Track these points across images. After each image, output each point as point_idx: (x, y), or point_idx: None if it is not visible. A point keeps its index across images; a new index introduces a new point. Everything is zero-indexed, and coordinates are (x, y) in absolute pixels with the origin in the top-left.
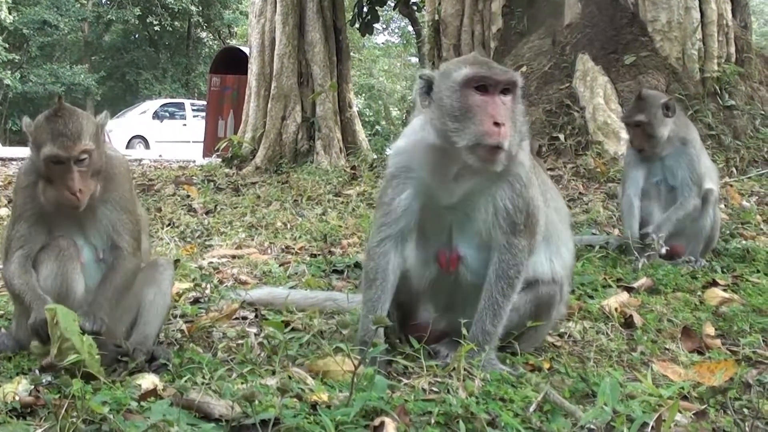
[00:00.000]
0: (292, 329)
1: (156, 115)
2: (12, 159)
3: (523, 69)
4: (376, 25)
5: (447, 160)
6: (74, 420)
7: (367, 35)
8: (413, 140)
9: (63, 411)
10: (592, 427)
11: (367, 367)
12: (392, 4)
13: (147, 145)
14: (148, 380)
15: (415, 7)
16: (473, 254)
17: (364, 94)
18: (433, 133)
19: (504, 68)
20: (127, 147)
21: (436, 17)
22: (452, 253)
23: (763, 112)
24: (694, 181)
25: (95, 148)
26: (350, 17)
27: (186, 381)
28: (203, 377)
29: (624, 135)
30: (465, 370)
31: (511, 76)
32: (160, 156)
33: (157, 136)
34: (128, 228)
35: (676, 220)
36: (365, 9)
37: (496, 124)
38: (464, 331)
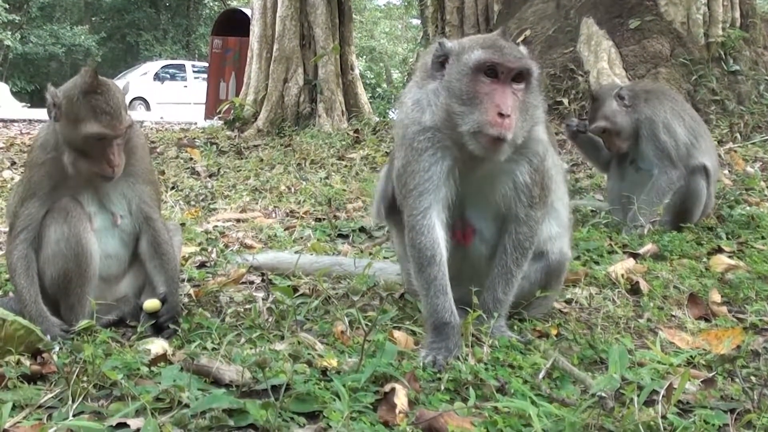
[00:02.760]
0: (300, 294)
1: (157, 77)
2: (13, 120)
3: (527, 33)
4: None
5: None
6: (85, 385)
7: None
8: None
9: (74, 376)
10: (602, 395)
11: (449, 354)
12: None
13: (148, 107)
14: (157, 345)
15: None
16: (488, 226)
17: (365, 57)
18: (438, 113)
19: (519, 54)
20: (128, 109)
21: None
22: (466, 225)
23: (767, 78)
24: (660, 157)
25: (132, 118)
26: None
27: (196, 346)
28: (212, 342)
29: None
30: (474, 336)
31: (524, 64)
32: (162, 118)
33: (158, 97)
34: (155, 198)
35: (650, 203)
36: None
37: (501, 114)
38: (475, 299)
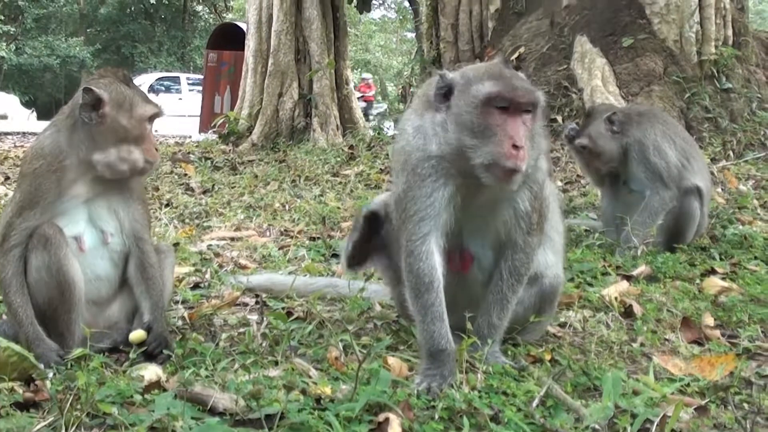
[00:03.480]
0: (295, 318)
1: (152, 89)
2: (7, 133)
3: (521, 50)
4: (372, 1)
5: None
6: (78, 413)
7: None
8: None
9: (68, 404)
10: (596, 426)
11: (444, 382)
12: None
13: None
14: (151, 371)
15: None
16: (485, 253)
17: (360, 69)
18: (447, 145)
19: (527, 87)
20: None
21: None
22: (465, 252)
23: (759, 95)
24: (652, 179)
25: None
26: None
27: (190, 373)
28: (206, 369)
29: None
30: (467, 362)
31: (534, 98)
32: (156, 131)
33: None
34: (147, 218)
35: (642, 224)
36: None
37: (515, 146)
38: (468, 325)
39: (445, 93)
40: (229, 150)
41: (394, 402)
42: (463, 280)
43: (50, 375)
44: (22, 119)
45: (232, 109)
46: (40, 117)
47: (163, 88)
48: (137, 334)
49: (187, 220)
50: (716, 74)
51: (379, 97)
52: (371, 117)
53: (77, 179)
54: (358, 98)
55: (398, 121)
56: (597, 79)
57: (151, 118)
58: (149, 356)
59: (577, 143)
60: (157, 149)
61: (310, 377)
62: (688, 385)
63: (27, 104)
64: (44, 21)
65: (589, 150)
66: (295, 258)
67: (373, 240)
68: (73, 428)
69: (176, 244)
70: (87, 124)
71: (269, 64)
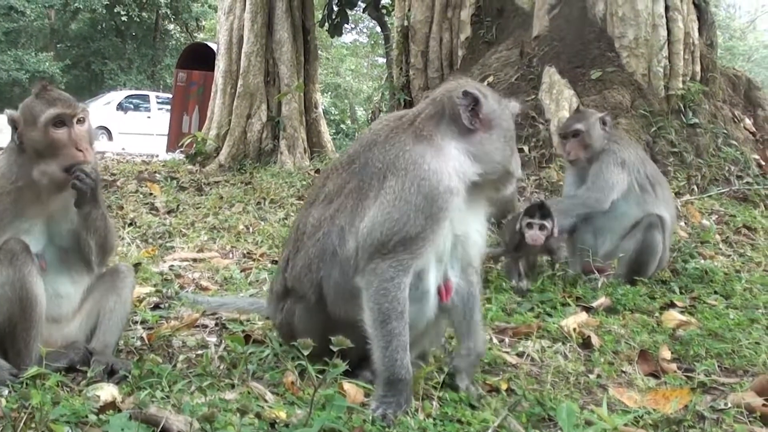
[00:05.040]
0: (254, 341)
1: (120, 107)
2: None
3: (490, 79)
4: (344, 25)
5: (479, 189)
6: None
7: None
8: (457, 168)
9: (21, 423)
10: None
11: (399, 409)
12: (362, 6)
13: (110, 137)
14: (107, 391)
15: (384, 11)
16: (459, 281)
17: (330, 93)
18: (478, 162)
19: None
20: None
21: (405, 23)
22: (447, 281)
23: (725, 131)
24: (598, 184)
25: (89, 116)
26: (320, 17)
27: (145, 395)
28: (162, 390)
29: None
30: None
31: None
32: (123, 149)
33: (121, 127)
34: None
35: (562, 211)
36: (335, 11)
37: None
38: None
39: (472, 108)
40: (196, 170)
41: (349, 428)
42: (428, 310)
43: (5, 392)
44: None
45: (200, 129)
46: None
47: (132, 106)
48: None
49: (150, 240)
50: (683, 109)
51: (348, 121)
52: None
53: (34, 199)
54: None
55: None
56: (564, 110)
57: (57, 121)
58: (109, 374)
59: (571, 129)
60: (84, 149)
61: (266, 401)
62: (642, 417)
63: None
64: (14, 35)
65: (580, 136)
66: (257, 281)
67: None
68: None
69: (138, 264)
70: (19, 146)
71: (238, 85)
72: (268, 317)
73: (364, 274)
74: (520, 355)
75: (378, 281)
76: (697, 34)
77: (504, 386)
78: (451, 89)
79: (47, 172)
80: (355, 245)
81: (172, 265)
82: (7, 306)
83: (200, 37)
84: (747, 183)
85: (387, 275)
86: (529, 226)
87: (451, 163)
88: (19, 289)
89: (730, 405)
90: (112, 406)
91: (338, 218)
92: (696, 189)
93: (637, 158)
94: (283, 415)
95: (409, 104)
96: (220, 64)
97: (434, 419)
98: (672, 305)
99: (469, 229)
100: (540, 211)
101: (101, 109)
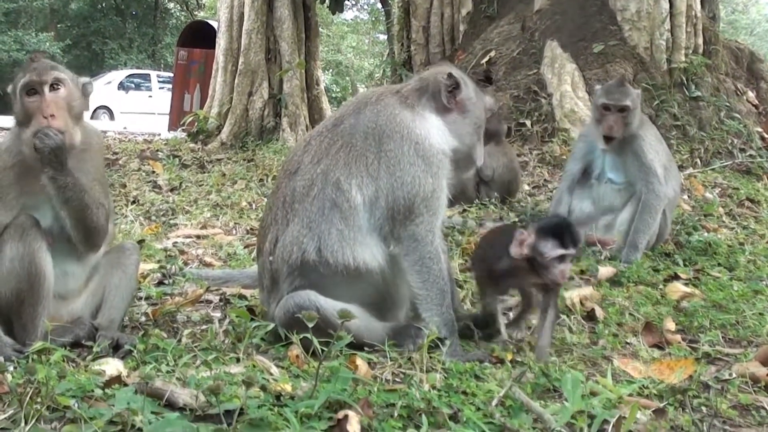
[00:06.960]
0: (258, 314)
1: (121, 86)
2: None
3: (492, 53)
4: (345, 1)
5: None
6: (38, 407)
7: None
8: (440, 136)
9: (28, 398)
10: (555, 428)
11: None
12: None
13: (112, 116)
14: (112, 366)
15: None
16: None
17: (331, 70)
18: (452, 136)
19: None
20: (92, 117)
21: None
22: None
23: (728, 104)
24: (647, 173)
25: (68, 80)
26: None
27: (151, 368)
28: (168, 364)
29: None
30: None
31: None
32: (125, 128)
33: (122, 107)
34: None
35: (646, 225)
36: None
37: None
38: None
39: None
40: (198, 148)
41: (354, 400)
42: None
43: (11, 368)
44: None
45: (201, 107)
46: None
47: (133, 86)
48: None
49: (153, 218)
50: (686, 82)
51: (350, 98)
52: None
53: (36, 174)
54: None
55: None
56: (566, 84)
57: (29, 89)
58: (114, 348)
59: (624, 103)
60: (51, 114)
61: (271, 374)
62: (646, 387)
63: None
64: (14, 15)
65: (626, 112)
66: None
67: None
68: (33, 421)
69: (141, 241)
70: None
71: (239, 63)
72: None
73: (402, 241)
74: (526, 327)
75: (420, 247)
76: (699, 6)
77: (509, 357)
78: (437, 71)
79: (26, 140)
80: (362, 199)
81: (176, 242)
82: (15, 281)
83: (200, 15)
84: (750, 156)
85: (427, 239)
86: (562, 259)
87: (433, 130)
88: (28, 264)
89: (734, 375)
90: (117, 380)
91: (331, 173)
92: (699, 162)
93: (657, 138)
94: (288, 387)
95: None
96: (221, 42)
97: (439, 390)
98: (676, 277)
99: None
100: (572, 237)
101: (102, 89)
